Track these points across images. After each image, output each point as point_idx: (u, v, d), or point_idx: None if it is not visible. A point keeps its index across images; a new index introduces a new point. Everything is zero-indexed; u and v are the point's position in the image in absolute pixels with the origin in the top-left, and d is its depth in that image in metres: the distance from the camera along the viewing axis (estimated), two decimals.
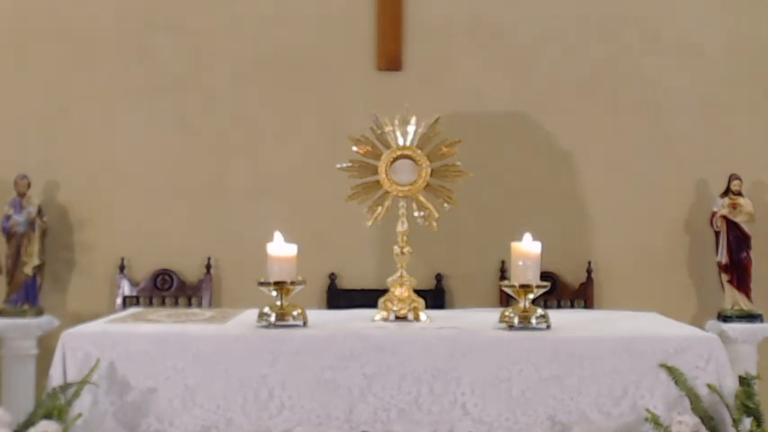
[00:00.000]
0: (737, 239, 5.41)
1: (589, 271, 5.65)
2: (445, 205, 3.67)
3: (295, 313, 3.51)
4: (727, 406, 3.26)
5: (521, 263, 3.50)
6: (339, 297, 5.55)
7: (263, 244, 3.56)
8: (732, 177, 5.44)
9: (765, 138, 5.71)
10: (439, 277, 5.65)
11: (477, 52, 5.73)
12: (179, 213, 5.69)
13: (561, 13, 5.73)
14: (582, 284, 5.65)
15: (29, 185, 5.46)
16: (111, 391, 3.33)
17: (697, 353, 3.36)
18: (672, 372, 3.30)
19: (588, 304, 5.59)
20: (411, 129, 3.67)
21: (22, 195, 5.44)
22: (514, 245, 3.53)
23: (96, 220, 5.70)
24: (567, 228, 5.66)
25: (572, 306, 5.60)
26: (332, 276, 5.67)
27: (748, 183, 5.52)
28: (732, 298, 5.41)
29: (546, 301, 5.32)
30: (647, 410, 3.25)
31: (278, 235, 3.56)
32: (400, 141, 3.67)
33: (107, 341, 3.38)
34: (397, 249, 3.69)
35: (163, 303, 5.67)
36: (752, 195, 5.52)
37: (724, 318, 5.38)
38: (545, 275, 3.64)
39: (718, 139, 5.69)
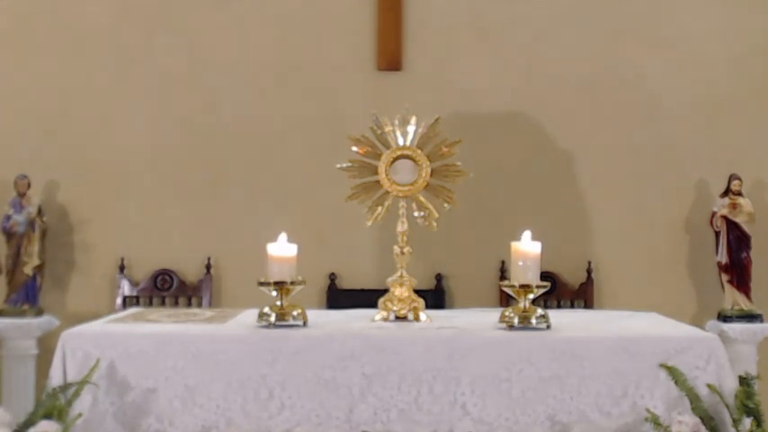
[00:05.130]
0: (737, 239, 5.41)
1: (589, 271, 5.65)
2: (445, 205, 3.67)
3: (295, 313, 3.51)
4: (727, 406, 3.26)
5: (521, 263, 3.50)
6: (339, 297, 5.55)
7: (263, 244, 3.56)
8: (732, 177, 5.44)
9: (765, 138, 5.71)
10: (439, 277, 5.65)
11: (477, 52, 5.73)
12: (179, 213, 5.69)
13: (561, 13, 5.73)
14: (582, 284, 5.65)
15: (29, 185, 5.46)
16: (111, 391, 3.33)
17: (697, 353, 3.35)
18: (672, 372, 3.30)
19: (588, 304, 5.59)
20: (411, 129, 3.67)
21: (22, 195, 5.44)
22: (514, 245, 3.53)
23: (96, 220, 5.70)
24: (567, 228, 5.66)
25: (572, 306, 5.60)
26: (332, 276, 5.67)
27: (748, 183, 5.52)
28: (732, 298, 5.41)
29: (546, 301, 5.32)
30: (647, 410, 3.25)
31: (283, 236, 3.57)
32: (400, 141, 3.67)
33: (107, 341, 3.38)
34: (397, 249, 3.69)
35: (163, 303, 5.67)
36: (752, 195, 5.52)
37: (724, 318, 5.38)
38: (545, 275, 3.64)
39: (718, 139, 5.69)
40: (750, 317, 5.36)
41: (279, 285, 3.50)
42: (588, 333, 3.52)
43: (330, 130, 5.51)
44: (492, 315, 3.61)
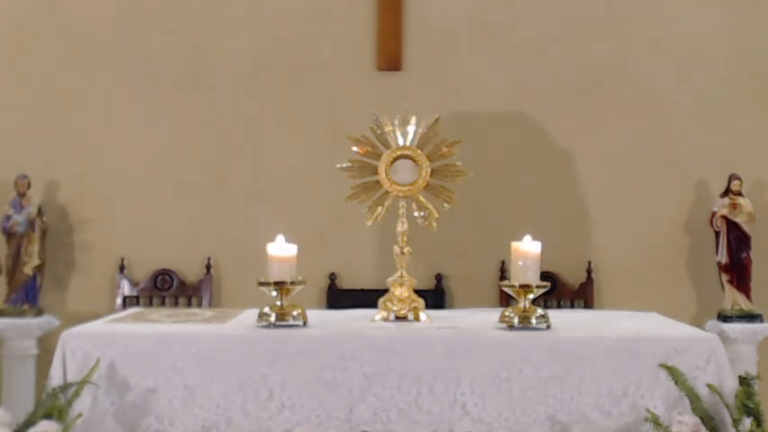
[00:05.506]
0: (737, 239, 5.41)
1: (589, 271, 5.65)
2: (445, 205, 3.68)
3: (295, 313, 3.52)
4: (727, 406, 3.26)
5: (521, 263, 3.51)
6: (339, 297, 5.54)
7: (263, 244, 3.56)
8: (732, 177, 5.44)
9: (765, 138, 5.71)
10: (439, 277, 5.65)
11: (477, 52, 5.73)
12: (179, 213, 5.69)
13: (561, 13, 5.73)
14: (582, 284, 5.65)
15: (29, 185, 5.46)
16: (111, 391, 3.34)
17: (697, 353, 3.36)
18: (672, 372, 3.30)
19: (588, 304, 5.59)
20: (411, 129, 3.67)
21: (22, 195, 5.44)
22: (514, 245, 3.53)
23: (96, 220, 5.70)
24: (567, 228, 5.65)
25: (572, 306, 5.60)
26: (332, 276, 5.67)
27: (748, 183, 5.52)
28: (732, 298, 5.41)
29: (546, 301, 5.32)
30: (647, 410, 3.26)
31: (280, 238, 3.57)
32: (400, 141, 3.68)
33: (107, 341, 3.39)
34: (397, 249, 3.69)
35: (163, 303, 5.67)
36: (752, 195, 5.52)
37: (724, 318, 5.38)
38: (545, 275, 3.64)
39: (718, 139, 5.69)
40: (750, 317, 5.36)
41: (279, 285, 3.50)
42: (588, 333, 3.51)
43: (330, 130, 5.52)
44: (492, 315, 3.61)
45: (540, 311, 3.49)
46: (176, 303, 5.70)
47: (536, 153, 5.72)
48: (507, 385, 3.33)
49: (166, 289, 5.69)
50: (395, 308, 3.64)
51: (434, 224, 3.66)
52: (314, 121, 5.68)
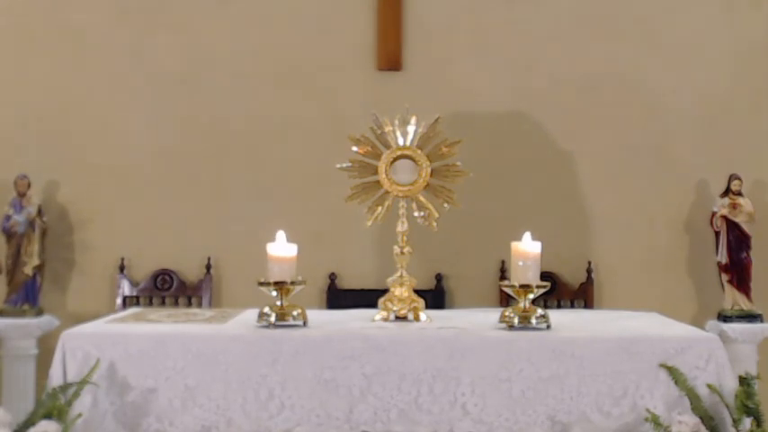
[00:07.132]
0: (737, 239, 5.41)
1: (589, 271, 5.65)
2: (445, 205, 3.67)
3: (295, 313, 3.52)
4: (728, 406, 3.27)
5: (521, 263, 3.51)
6: (339, 297, 5.55)
7: (263, 244, 3.56)
8: (732, 177, 5.44)
9: (765, 138, 5.71)
10: (439, 277, 5.65)
11: (477, 52, 5.73)
12: (179, 213, 5.69)
13: (561, 13, 5.73)
14: (582, 284, 5.65)
15: (29, 185, 5.46)
16: (111, 391, 3.34)
17: (697, 353, 3.36)
18: (672, 372, 3.30)
19: (588, 304, 5.59)
20: (411, 129, 3.67)
21: (22, 195, 5.44)
22: (514, 245, 3.53)
23: (96, 220, 5.70)
24: (567, 228, 5.66)
25: (572, 306, 5.60)
26: (332, 276, 5.67)
27: (748, 183, 5.52)
28: (732, 298, 5.41)
29: (546, 301, 5.32)
30: (647, 410, 3.26)
31: (280, 234, 3.57)
32: (400, 141, 3.68)
33: (107, 341, 3.39)
34: (397, 249, 3.69)
35: (163, 303, 5.67)
36: (752, 195, 5.52)
37: (724, 318, 5.38)
38: (545, 275, 3.64)
39: (718, 139, 5.69)
40: (750, 317, 5.36)
41: (279, 285, 3.50)
42: (588, 333, 3.51)
43: (330, 130, 5.52)
44: (492, 315, 3.61)
45: (540, 311, 3.49)
46: (176, 303, 5.71)
47: (536, 153, 5.72)
48: (507, 385, 3.33)
49: (166, 289, 5.69)
50: (395, 308, 3.64)
51: (434, 224, 3.66)
52: (314, 121, 5.69)
